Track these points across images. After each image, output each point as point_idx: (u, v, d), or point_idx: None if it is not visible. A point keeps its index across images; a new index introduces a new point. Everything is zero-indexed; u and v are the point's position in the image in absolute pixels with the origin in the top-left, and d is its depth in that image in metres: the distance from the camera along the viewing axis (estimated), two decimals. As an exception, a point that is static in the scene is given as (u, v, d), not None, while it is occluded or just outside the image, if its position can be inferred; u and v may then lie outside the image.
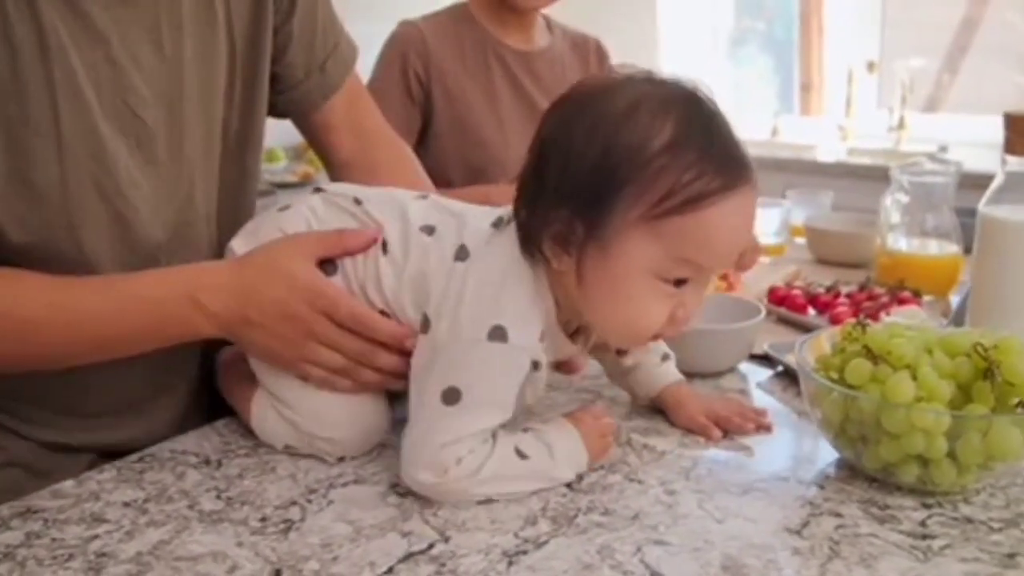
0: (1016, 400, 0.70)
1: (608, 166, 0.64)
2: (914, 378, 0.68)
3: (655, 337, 0.71)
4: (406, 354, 0.73)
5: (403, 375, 0.73)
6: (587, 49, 1.57)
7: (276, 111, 0.96)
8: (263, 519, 0.69)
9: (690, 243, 0.65)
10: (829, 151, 2.82)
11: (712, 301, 1.02)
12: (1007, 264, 0.90)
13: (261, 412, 0.80)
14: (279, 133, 0.92)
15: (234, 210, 0.89)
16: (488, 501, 0.70)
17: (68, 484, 0.74)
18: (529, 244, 0.69)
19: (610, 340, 0.76)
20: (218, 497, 0.72)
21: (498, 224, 0.72)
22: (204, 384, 0.91)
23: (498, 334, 0.67)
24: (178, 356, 0.85)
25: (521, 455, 0.70)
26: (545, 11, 1.50)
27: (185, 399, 0.90)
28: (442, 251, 0.72)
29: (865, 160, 2.60)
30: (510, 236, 0.70)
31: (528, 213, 0.68)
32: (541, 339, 0.69)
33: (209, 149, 0.84)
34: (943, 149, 2.65)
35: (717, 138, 0.65)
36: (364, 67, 1.32)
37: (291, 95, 0.95)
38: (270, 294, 0.72)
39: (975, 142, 2.75)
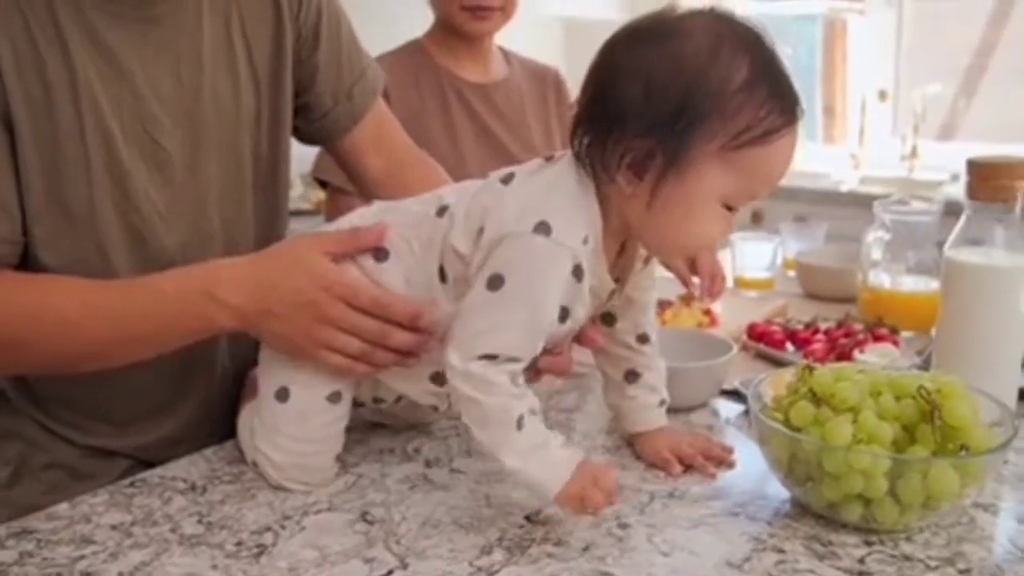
0: (959, 443, 0.73)
1: (694, 98, 0.69)
2: (855, 421, 0.71)
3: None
4: (421, 331, 0.77)
5: (415, 353, 0.78)
6: (546, 80, 1.60)
7: (307, 138, 1.04)
8: (238, 543, 0.73)
9: (758, 174, 0.72)
10: (843, 180, 2.83)
11: (684, 337, 1.05)
12: (969, 306, 0.93)
13: (243, 421, 0.86)
14: (295, 161, 0.99)
15: (271, 224, 0.98)
16: (450, 529, 0.74)
17: (63, 507, 0.80)
18: (597, 169, 0.73)
19: (663, 254, 0.79)
20: (199, 522, 0.77)
21: (549, 159, 0.78)
22: (220, 391, 0.97)
23: (542, 228, 0.71)
24: (194, 364, 0.92)
25: (520, 426, 0.72)
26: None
27: (203, 404, 0.96)
28: (492, 182, 0.77)
29: (877, 189, 2.61)
30: (559, 163, 0.76)
31: (597, 141, 0.73)
32: (585, 242, 0.72)
33: (234, 173, 0.92)
34: (955, 178, 2.66)
35: (781, 76, 0.72)
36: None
37: (322, 123, 1.02)
38: (288, 284, 0.77)
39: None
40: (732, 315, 1.27)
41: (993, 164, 0.90)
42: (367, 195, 1.06)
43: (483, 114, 1.50)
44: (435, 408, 0.86)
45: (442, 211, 0.79)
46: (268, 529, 0.76)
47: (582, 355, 0.87)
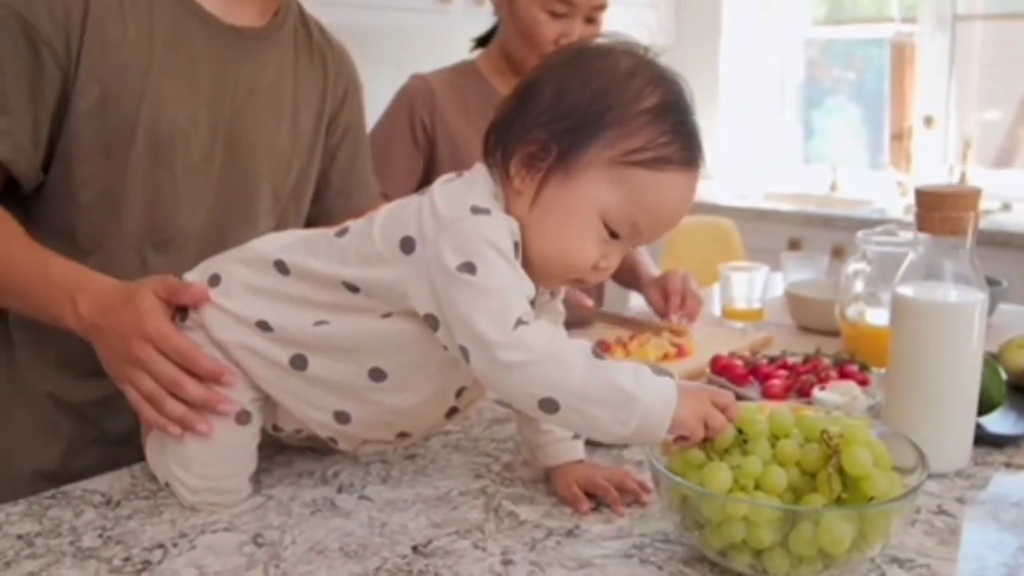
0: (865, 492, 0.69)
1: (599, 106, 0.73)
2: (738, 465, 0.68)
3: (576, 281, 0.77)
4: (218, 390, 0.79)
5: (208, 410, 0.78)
6: None
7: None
8: (127, 559, 0.74)
9: (641, 200, 0.73)
10: (885, 207, 2.72)
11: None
12: (919, 345, 0.87)
13: (152, 444, 0.86)
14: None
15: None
16: (334, 555, 0.74)
17: (-19, 514, 0.82)
18: (498, 160, 0.76)
19: (537, 271, 0.76)
20: (100, 535, 0.78)
21: (460, 174, 0.80)
22: None
23: (479, 210, 0.73)
24: None
25: (597, 355, 0.69)
26: None
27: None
28: (407, 199, 0.79)
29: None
30: (471, 170, 0.79)
31: (504, 133, 0.76)
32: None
33: (251, 199, 1.01)
34: (1006, 206, 2.52)
35: (690, 120, 0.75)
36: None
37: (315, 207, 1.11)
38: (117, 314, 0.81)
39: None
40: (712, 346, 1.23)
41: (939, 194, 0.85)
42: None
43: None
44: (333, 441, 0.86)
45: (342, 232, 0.80)
46: (160, 546, 0.76)
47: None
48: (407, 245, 0.74)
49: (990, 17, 2.95)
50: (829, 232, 2.62)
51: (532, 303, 0.76)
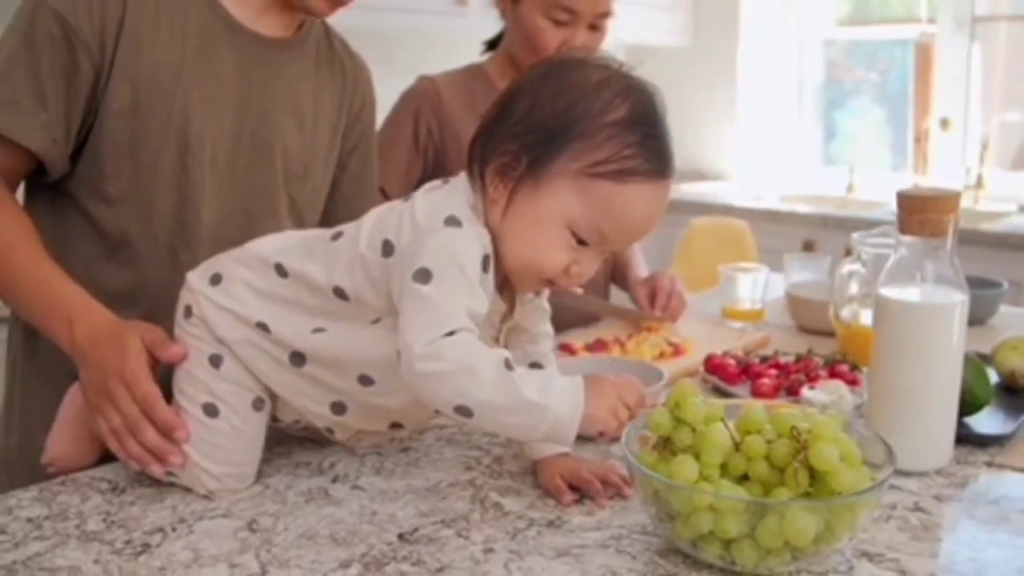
0: (832, 486, 0.70)
1: (567, 120, 0.76)
2: (699, 458, 0.70)
3: (549, 282, 0.81)
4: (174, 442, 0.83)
5: (159, 457, 0.84)
6: None
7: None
8: (128, 541, 0.78)
9: (607, 211, 0.76)
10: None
11: (615, 367, 1.05)
12: (901, 345, 0.89)
13: None
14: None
15: None
16: (323, 541, 0.77)
17: (-7, 498, 0.87)
18: (476, 169, 0.79)
19: (512, 276, 0.81)
20: (104, 520, 0.82)
21: (446, 181, 0.83)
22: None
23: (453, 221, 0.77)
24: None
25: (508, 366, 0.73)
26: None
27: None
28: (393, 203, 0.84)
29: (937, 219, 2.48)
30: (456, 178, 0.82)
31: (482, 143, 0.80)
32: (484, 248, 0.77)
33: (271, 206, 1.05)
34: (1022, 209, 2.50)
35: (658, 132, 0.78)
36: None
37: (323, 211, 1.15)
38: (103, 350, 0.86)
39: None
40: (709, 345, 1.24)
41: (920, 197, 0.87)
42: None
43: None
44: (330, 431, 0.89)
45: (337, 236, 0.84)
46: (160, 530, 0.80)
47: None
48: (387, 248, 0.78)
49: (1013, 19, 2.93)
50: (842, 234, 2.60)
51: (507, 315, 0.81)
